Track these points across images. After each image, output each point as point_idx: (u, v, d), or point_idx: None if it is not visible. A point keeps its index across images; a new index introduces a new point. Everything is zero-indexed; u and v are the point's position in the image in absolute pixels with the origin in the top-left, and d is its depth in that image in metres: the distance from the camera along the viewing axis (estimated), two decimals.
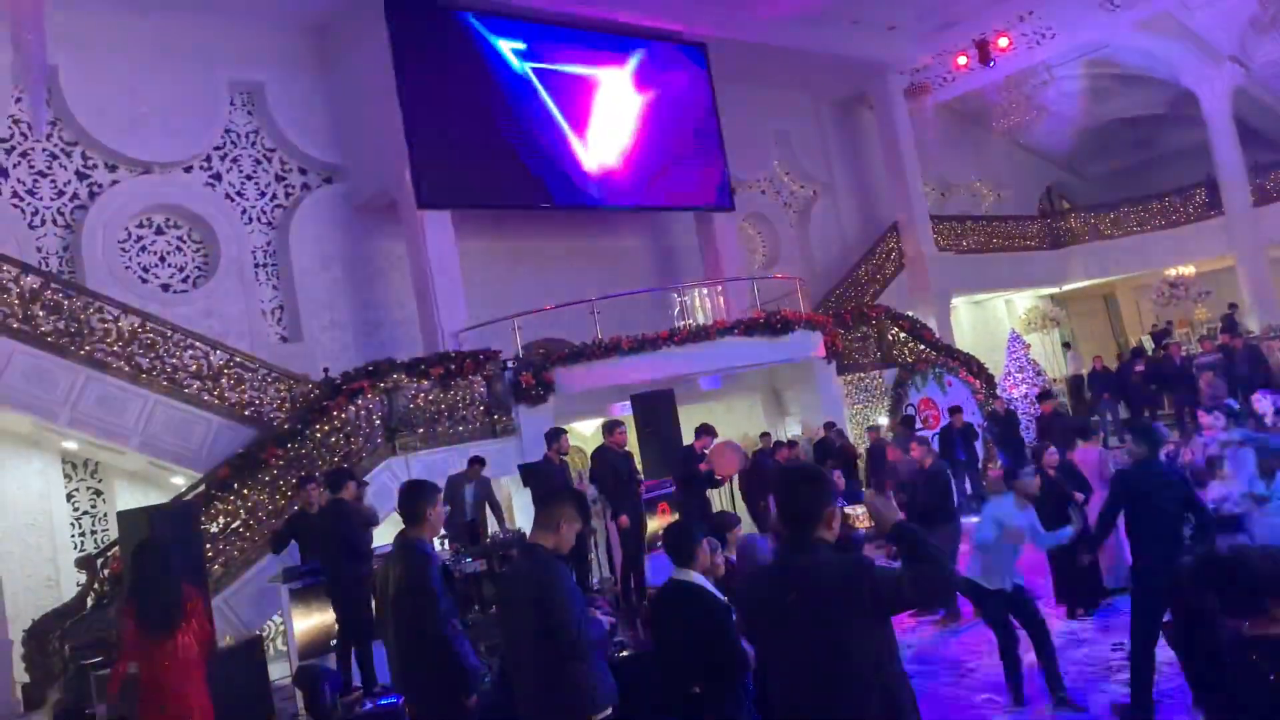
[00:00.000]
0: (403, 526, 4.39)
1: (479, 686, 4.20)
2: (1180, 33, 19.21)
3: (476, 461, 10.45)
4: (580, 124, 15.35)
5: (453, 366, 11.76)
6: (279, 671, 8.66)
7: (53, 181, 12.45)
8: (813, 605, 2.87)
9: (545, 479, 9.17)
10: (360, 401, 11.10)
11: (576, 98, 15.38)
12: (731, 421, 15.72)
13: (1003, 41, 18.64)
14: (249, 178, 14.02)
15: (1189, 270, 20.64)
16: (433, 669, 4.05)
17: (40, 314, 10.37)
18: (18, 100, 12.13)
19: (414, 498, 4.38)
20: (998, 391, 16.17)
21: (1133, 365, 15.70)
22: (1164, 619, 5.34)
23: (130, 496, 11.60)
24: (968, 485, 13.34)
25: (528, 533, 10.67)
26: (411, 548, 4.18)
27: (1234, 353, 13.76)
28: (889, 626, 2.99)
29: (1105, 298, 25.56)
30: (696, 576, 4.37)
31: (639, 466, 10.49)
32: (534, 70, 14.94)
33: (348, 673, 7.49)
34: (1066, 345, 21.30)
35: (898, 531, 3.04)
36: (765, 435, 13.85)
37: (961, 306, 21.67)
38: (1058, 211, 24.77)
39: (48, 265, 11.93)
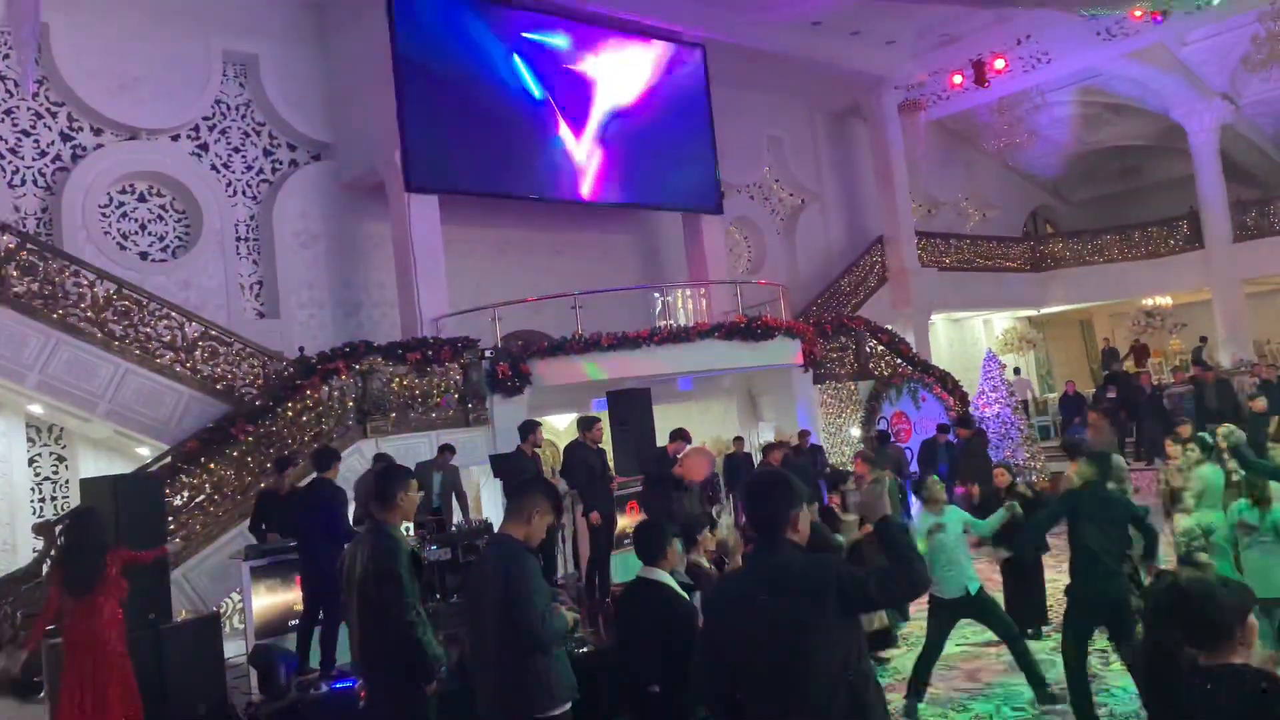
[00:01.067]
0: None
1: (438, 675, 4.16)
2: (1172, 66, 19.41)
3: (446, 449, 10.39)
4: (573, 117, 15.31)
5: (430, 353, 11.70)
6: (234, 649, 8.57)
7: (36, 141, 12.28)
8: (781, 604, 2.89)
9: (517, 470, 9.14)
10: (334, 382, 11.02)
11: (571, 91, 15.33)
12: (706, 423, 15.73)
13: (999, 63, 18.77)
14: (236, 150, 13.89)
15: (1166, 301, 20.86)
16: (393, 655, 4.02)
17: (14, 274, 10.25)
18: (5, 57, 11.95)
19: (387, 481, 4.35)
20: (970, 409, 16.25)
21: (1104, 391, 15.84)
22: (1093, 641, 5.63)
23: (94, 465, 11.48)
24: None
25: (494, 523, 10.77)
26: (381, 532, 4.14)
27: (1205, 385, 13.92)
28: (857, 625, 3.03)
29: (1082, 323, 25.82)
30: (663, 575, 4.39)
31: (611, 463, 10.50)
32: (530, 61, 14.88)
33: (306, 653, 7.42)
34: (1016, 370, 21.32)
35: (881, 527, 3.10)
36: (739, 439, 13.85)
37: (940, 323, 21.81)
38: (1041, 235, 24.98)
39: (25, 226, 11.77)
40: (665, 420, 12.70)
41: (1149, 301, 20.87)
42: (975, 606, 6.54)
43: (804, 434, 13.34)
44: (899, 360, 16.39)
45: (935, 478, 6.86)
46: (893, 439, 14.71)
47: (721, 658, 3.07)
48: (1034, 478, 15.28)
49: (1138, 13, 16.70)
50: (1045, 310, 23.33)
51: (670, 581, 4.37)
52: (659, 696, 4.18)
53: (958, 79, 19.57)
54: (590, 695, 4.43)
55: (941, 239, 21.43)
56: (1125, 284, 21.42)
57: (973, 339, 23.37)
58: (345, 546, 7.35)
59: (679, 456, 9.79)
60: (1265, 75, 18.71)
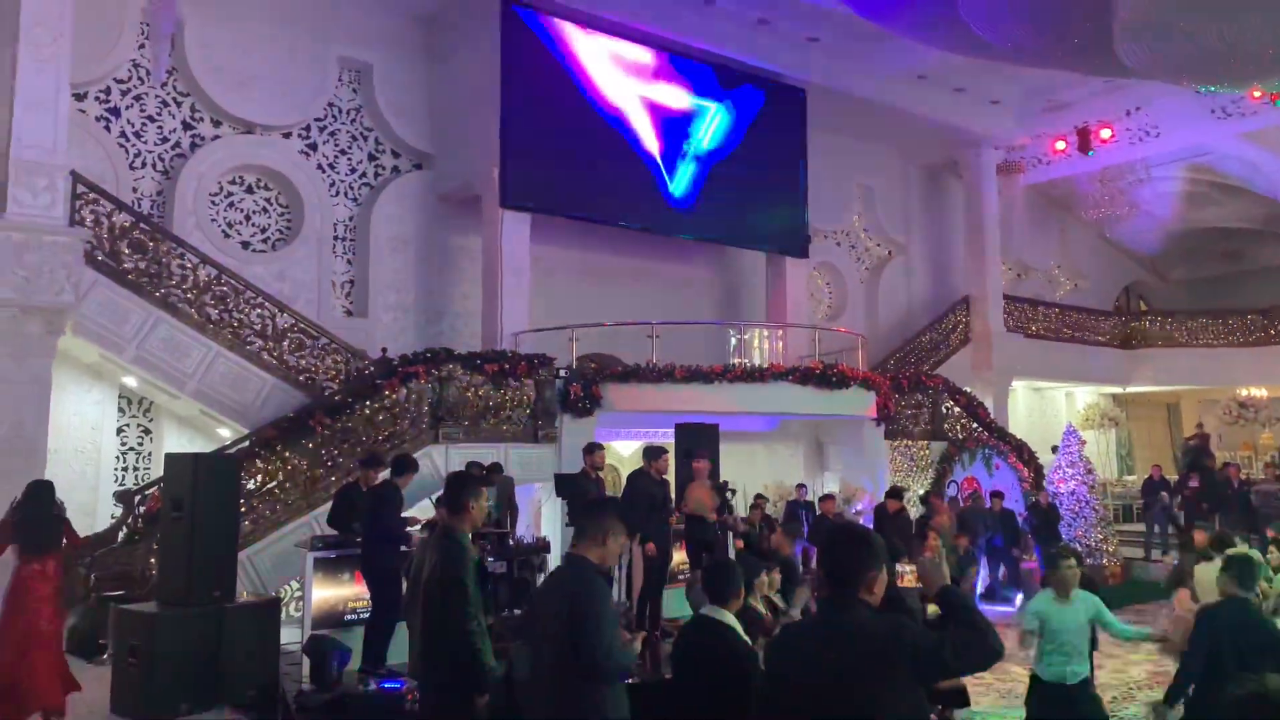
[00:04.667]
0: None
1: (491, 687, 4.20)
2: None
3: (494, 468, 10.45)
4: (669, 150, 15.48)
5: (507, 366, 11.87)
6: (288, 637, 8.75)
7: (159, 128, 12.87)
8: (850, 664, 2.84)
9: (580, 491, 9.21)
10: (413, 385, 11.25)
11: (671, 125, 15.52)
12: (772, 467, 15.64)
13: (1105, 133, 18.45)
14: (343, 152, 14.36)
15: (1261, 392, 20.10)
16: (450, 662, 4.07)
17: (125, 251, 10.73)
18: (141, 46, 12.57)
19: (458, 489, 4.43)
20: (1044, 483, 15.86)
21: (1187, 480, 15.32)
22: None
23: (177, 440, 11.90)
24: (1001, 571, 13.10)
25: (551, 540, 10.83)
26: (451, 538, 4.21)
27: None
28: (921, 693, 2.95)
29: (1169, 405, 25.01)
30: (728, 616, 4.33)
31: (673, 496, 10.48)
32: (635, 92, 15.12)
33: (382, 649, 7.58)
34: (1054, 449, 19.36)
35: (944, 596, 3.02)
36: (801, 486, 13.73)
37: (1021, 391, 21.35)
38: (1134, 311, 24.34)
39: (140, 206, 12.31)
40: (731, 458, 12.69)
41: (1243, 391, 20.13)
42: (1073, 700, 5.80)
43: (897, 490, 13.10)
44: (975, 424, 16.10)
45: (1073, 561, 6.15)
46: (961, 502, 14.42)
47: (782, 711, 3.00)
48: (1104, 560, 14.83)
49: (1257, 93, 16.27)
50: (1131, 389, 22.67)
51: (735, 624, 4.31)
52: None
53: (1060, 145, 19.28)
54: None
55: (1029, 305, 21.04)
56: (1218, 370, 20.72)
57: (1053, 410, 22.80)
58: (403, 548, 7.68)
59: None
60: None
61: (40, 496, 7.10)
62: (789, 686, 3.01)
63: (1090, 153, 18.89)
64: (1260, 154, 19.06)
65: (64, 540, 7.18)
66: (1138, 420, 24.35)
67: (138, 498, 10.04)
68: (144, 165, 12.74)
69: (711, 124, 16.05)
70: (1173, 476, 16.97)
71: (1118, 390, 22.90)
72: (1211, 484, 14.74)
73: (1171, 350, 21.55)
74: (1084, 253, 24.22)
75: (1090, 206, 22.53)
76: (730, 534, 10.31)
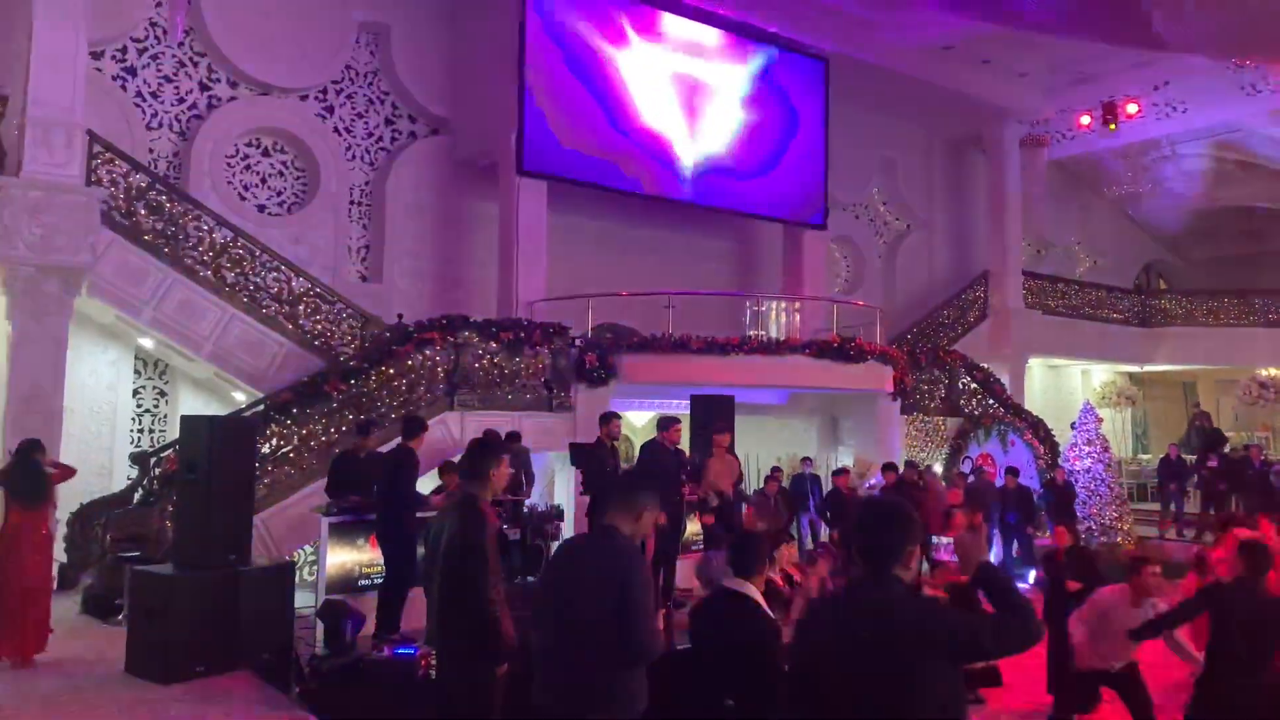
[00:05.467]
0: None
1: (510, 656, 4.16)
2: None
3: (512, 436, 10.42)
4: (688, 118, 15.31)
5: (522, 334, 11.82)
6: (301, 601, 8.77)
7: (176, 88, 12.76)
8: (884, 643, 2.75)
9: (596, 461, 9.16)
10: (429, 352, 11.21)
11: (691, 92, 15.35)
12: (784, 440, 15.58)
13: (1131, 108, 18.13)
14: (360, 116, 14.24)
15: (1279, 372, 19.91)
16: (469, 630, 4.03)
17: (142, 212, 10.67)
18: (158, 5, 12.45)
19: (480, 455, 4.38)
20: (1060, 461, 15.75)
21: (1205, 459, 15.20)
22: None
23: (193, 403, 11.91)
24: (1015, 548, 13.04)
25: (562, 507, 10.81)
26: (472, 505, 4.15)
27: None
28: (958, 674, 2.86)
29: (1185, 385, 24.80)
30: (751, 589, 4.26)
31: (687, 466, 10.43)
32: (655, 59, 14.93)
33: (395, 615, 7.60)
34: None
35: (984, 574, 2.93)
36: (806, 460, 13.64)
37: (1037, 367, 21.18)
38: (1153, 290, 24.07)
39: (156, 167, 12.23)
40: (745, 431, 12.62)
41: (1263, 372, 19.92)
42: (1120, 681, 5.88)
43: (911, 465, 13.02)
44: (991, 401, 15.99)
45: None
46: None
47: (811, 690, 2.91)
48: (1118, 539, 14.76)
49: None
50: (1149, 368, 22.47)
51: (758, 597, 4.24)
52: (734, 710, 4.07)
53: (1086, 119, 18.96)
54: (653, 702, 4.39)
55: (1049, 281, 20.83)
56: (1238, 350, 20.51)
57: (1069, 388, 22.64)
58: (418, 514, 7.68)
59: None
60: None
61: (27, 453, 7.44)
62: (820, 664, 2.91)
63: (1114, 127, 18.56)
64: None
65: (50, 486, 7.55)
66: (1154, 399, 24.17)
67: (153, 459, 10.07)
68: (160, 126, 12.66)
69: (733, 91, 15.84)
70: (1188, 457, 16.85)
71: (1135, 369, 22.71)
72: (1230, 464, 14.62)
73: (1190, 329, 21.35)
74: (1104, 230, 23.95)
75: (1112, 183, 22.23)
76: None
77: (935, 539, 4.64)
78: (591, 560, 3.73)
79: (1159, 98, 18.29)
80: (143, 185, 10.78)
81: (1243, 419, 20.68)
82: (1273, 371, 19.88)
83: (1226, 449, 15.89)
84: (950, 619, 2.82)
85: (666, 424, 9.90)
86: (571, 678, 3.63)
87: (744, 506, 10.64)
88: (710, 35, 15.60)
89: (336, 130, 14.02)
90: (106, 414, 11.62)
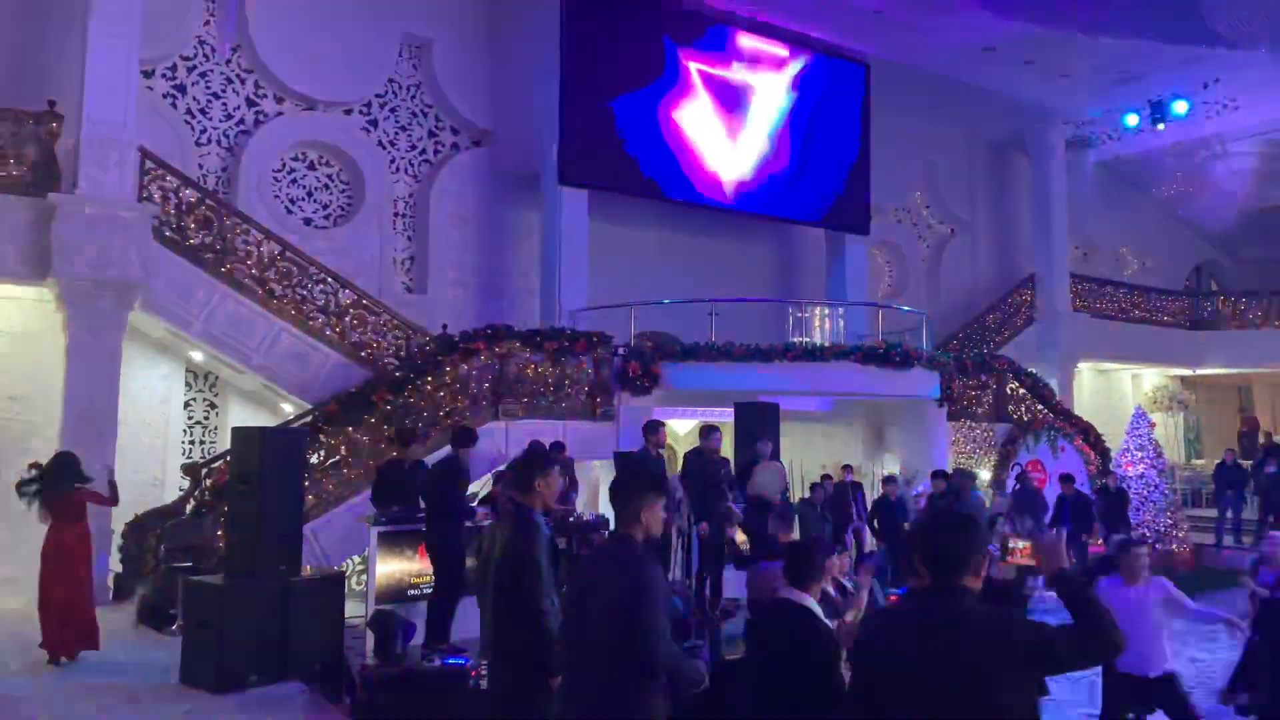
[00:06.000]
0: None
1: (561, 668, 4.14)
2: None
3: (558, 448, 10.41)
4: (729, 125, 15.28)
5: (566, 344, 11.84)
6: (350, 611, 8.82)
7: (224, 104, 12.97)
8: (959, 657, 2.67)
9: (642, 470, 9.10)
10: (474, 362, 11.26)
11: (730, 99, 15.32)
12: (829, 448, 15.45)
13: (1180, 107, 17.77)
14: (403, 129, 14.37)
15: None
16: (523, 642, 4.02)
17: (192, 227, 10.86)
18: (207, 23, 12.67)
19: (527, 466, 4.37)
20: (1111, 466, 15.46)
21: (1264, 464, 14.83)
22: None
23: (241, 414, 12.06)
24: (1072, 555, 12.77)
25: (607, 516, 10.77)
26: (524, 516, 4.15)
27: None
28: (1034, 688, 2.82)
29: (1240, 389, 24.24)
30: (809, 600, 4.18)
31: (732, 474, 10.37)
32: (694, 66, 14.92)
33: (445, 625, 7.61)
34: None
35: (1062, 579, 2.81)
36: (847, 467, 13.45)
37: (1086, 372, 20.82)
38: (1204, 292, 23.55)
39: (205, 183, 12.44)
40: (789, 439, 12.52)
41: None
42: (1159, 693, 5.69)
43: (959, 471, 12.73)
44: (1040, 406, 15.72)
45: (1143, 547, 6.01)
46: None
47: (879, 704, 2.83)
48: (1174, 546, 14.45)
49: None
50: (1201, 371, 21.98)
51: (815, 608, 4.14)
52: None
53: (1133, 119, 18.64)
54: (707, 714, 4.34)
55: (1097, 284, 20.47)
56: None
57: (1119, 393, 22.22)
58: (466, 523, 7.69)
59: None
60: None
61: (58, 469, 7.54)
62: (889, 678, 2.83)
63: (1162, 126, 18.22)
64: None
65: (74, 499, 7.55)
66: (1207, 404, 23.63)
67: (204, 470, 10.20)
68: (209, 141, 12.87)
69: (774, 98, 15.79)
70: (1244, 462, 16.45)
71: (1186, 372, 22.24)
72: None
73: (1243, 332, 20.86)
74: (1153, 231, 23.49)
75: (1161, 183, 21.82)
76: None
77: (1010, 542, 4.58)
78: (605, 570, 3.75)
79: (1209, 95, 17.92)
80: (193, 200, 10.97)
81: None
82: None
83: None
84: (1025, 630, 2.73)
85: (708, 433, 9.89)
86: (588, 688, 3.63)
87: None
88: (751, 42, 15.55)
89: (380, 144, 14.17)
90: (159, 426, 11.80)
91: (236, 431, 8.21)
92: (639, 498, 3.77)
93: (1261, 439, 19.71)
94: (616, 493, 3.89)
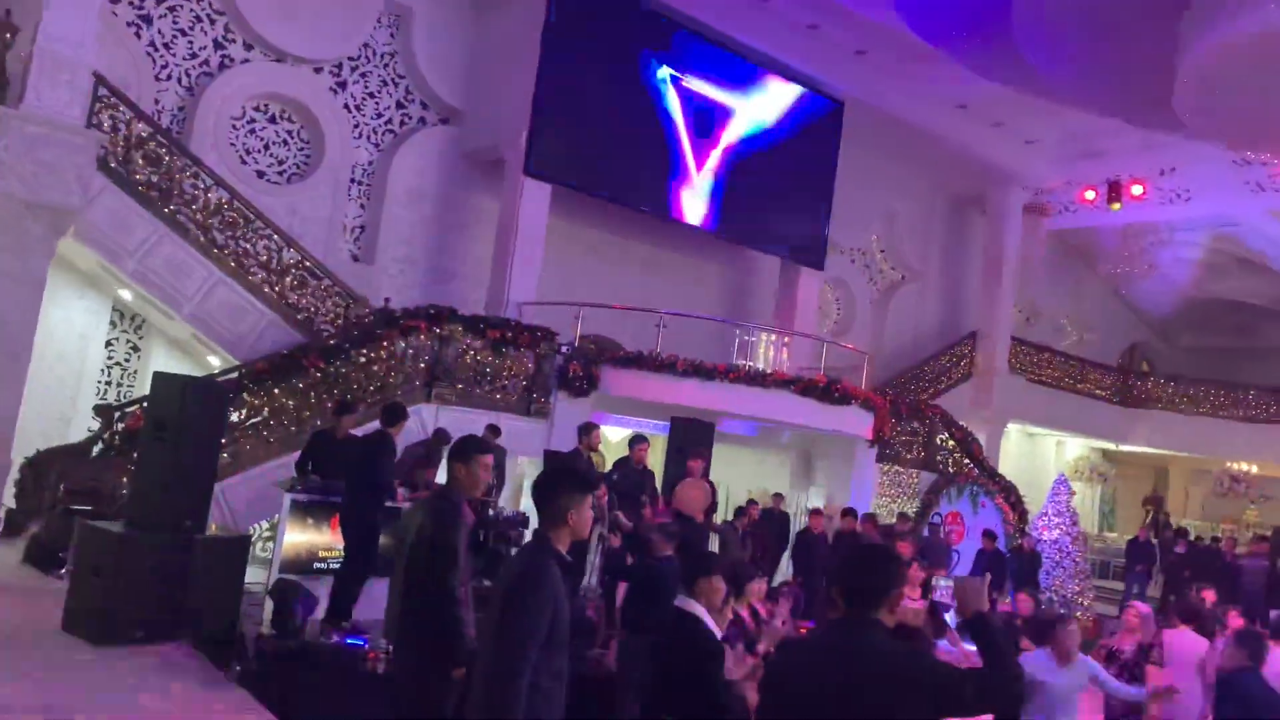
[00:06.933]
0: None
1: (466, 659, 3.98)
2: None
3: (492, 430, 10.24)
4: (699, 142, 15.25)
5: (510, 334, 11.66)
6: (252, 577, 8.51)
7: (190, 43, 12.55)
8: (863, 692, 2.66)
9: (569, 467, 8.97)
10: (412, 340, 11.02)
11: (705, 116, 15.29)
12: (758, 474, 15.47)
13: (1136, 189, 18.27)
14: (372, 95, 14.07)
15: (1253, 468, 20.01)
16: (429, 630, 3.85)
17: (139, 162, 10.45)
18: None
19: (453, 452, 4.21)
20: (1028, 528, 15.72)
21: (1174, 545, 15.21)
22: None
23: (165, 361, 11.65)
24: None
25: (529, 514, 10.59)
26: (445, 500, 3.99)
27: None
28: None
29: (1158, 469, 24.93)
30: (697, 608, 4.19)
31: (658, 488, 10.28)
32: (672, 78, 14.87)
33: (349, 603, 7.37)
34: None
35: (979, 623, 2.82)
36: (778, 495, 13.51)
37: (1014, 433, 21.21)
38: (1137, 371, 24.20)
39: (160, 119, 12.00)
40: (719, 459, 12.47)
41: (1236, 465, 20.03)
42: None
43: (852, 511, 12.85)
44: (967, 460, 15.94)
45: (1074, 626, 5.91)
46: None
47: None
48: (1078, 613, 14.70)
49: None
50: (1124, 447, 22.55)
51: (704, 616, 4.17)
52: None
53: (1090, 194, 19.09)
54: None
55: (1035, 349, 20.88)
56: (1215, 441, 20.61)
57: (1043, 457, 22.69)
58: (387, 503, 7.48)
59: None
60: None
61: None
62: (795, 706, 2.82)
63: (1118, 206, 18.69)
64: None
65: None
66: (1125, 479, 24.26)
67: (118, 413, 9.79)
68: (169, 78, 12.44)
69: (746, 121, 15.81)
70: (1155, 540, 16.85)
71: (1110, 446, 22.79)
72: (1198, 553, 14.63)
73: (1170, 414, 21.44)
74: (1095, 305, 24.09)
75: (1108, 261, 22.37)
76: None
77: (935, 580, 4.53)
78: (504, 569, 3.58)
79: (1164, 183, 18.42)
80: (143, 135, 10.56)
81: (1210, 510, 20.74)
82: (1246, 466, 19.99)
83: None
84: (933, 669, 2.74)
85: (638, 441, 9.82)
86: (475, 688, 3.42)
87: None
88: (730, 62, 15.56)
89: (347, 107, 13.85)
90: (74, 362, 11.33)
91: (158, 377, 7.86)
92: (566, 496, 3.48)
93: (1148, 515, 20.25)
94: (542, 490, 3.60)
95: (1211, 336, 24.67)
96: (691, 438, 11.07)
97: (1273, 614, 8.17)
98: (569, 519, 3.46)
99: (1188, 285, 22.71)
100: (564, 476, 3.74)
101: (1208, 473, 21.13)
